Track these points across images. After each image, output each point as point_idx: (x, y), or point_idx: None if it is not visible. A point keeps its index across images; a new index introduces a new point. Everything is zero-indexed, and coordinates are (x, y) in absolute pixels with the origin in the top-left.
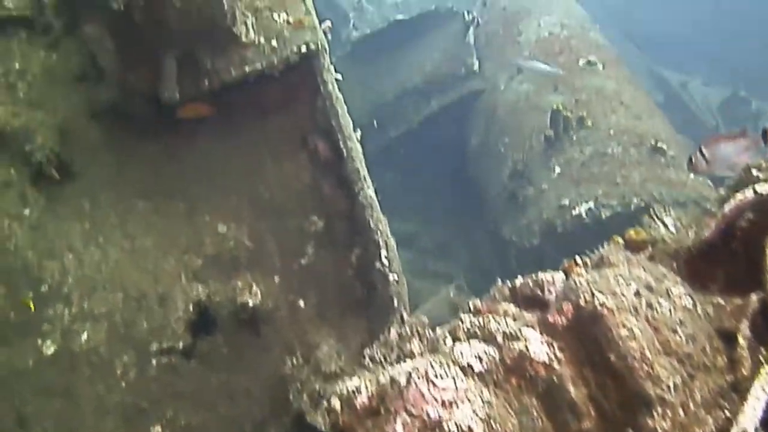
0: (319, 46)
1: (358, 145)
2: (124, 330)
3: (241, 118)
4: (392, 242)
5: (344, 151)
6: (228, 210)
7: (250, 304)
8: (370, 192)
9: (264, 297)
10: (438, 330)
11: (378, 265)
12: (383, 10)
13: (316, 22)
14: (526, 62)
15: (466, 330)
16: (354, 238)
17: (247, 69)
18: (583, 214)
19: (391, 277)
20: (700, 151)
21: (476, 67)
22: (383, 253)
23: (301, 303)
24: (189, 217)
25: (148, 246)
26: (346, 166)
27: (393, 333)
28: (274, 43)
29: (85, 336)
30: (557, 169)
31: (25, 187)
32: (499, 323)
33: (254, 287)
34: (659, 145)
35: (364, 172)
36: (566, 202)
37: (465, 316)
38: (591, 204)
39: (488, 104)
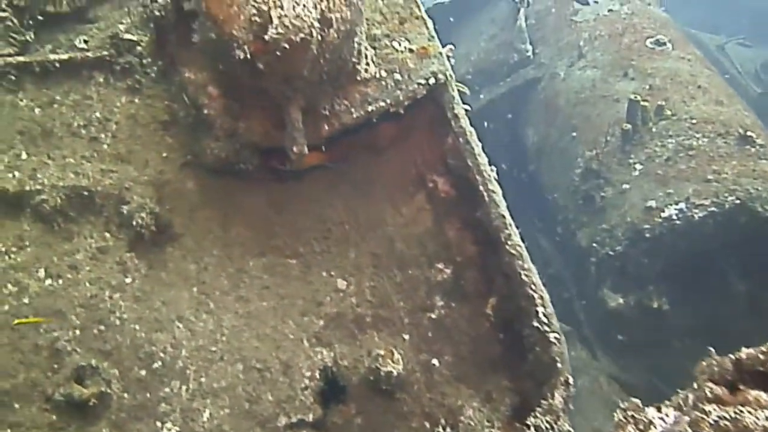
0: (447, 76)
1: (498, 186)
2: (249, 405)
3: (349, 158)
4: (546, 295)
5: (485, 195)
6: (346, 263)
7: (395, 373)
8: (518, 240)
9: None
10: (666, 414)
11: (535, 323)
12: None
13: (441, 47)
14: None
15: (713, 424)
16: (489, 287)
17: (370, 109)
18: (674, 217)
19: (552, 336)
20: None
21: (530, 53)
22: (540, 309)
23: (436, 362)
24: (305, 275)
25: (264, 309)
26: (489, 212)
27: (558, 398)
28: (397, 76)
29: (207, 414)
30: (638, 167)
31: (124, 253)
32: (757, 417)
33: (395, 353)
34: (748, 133)
35: (509, 217)
36: (653, 203)
37: (709, 407)
38: (682, 205)
39: (547, 94)
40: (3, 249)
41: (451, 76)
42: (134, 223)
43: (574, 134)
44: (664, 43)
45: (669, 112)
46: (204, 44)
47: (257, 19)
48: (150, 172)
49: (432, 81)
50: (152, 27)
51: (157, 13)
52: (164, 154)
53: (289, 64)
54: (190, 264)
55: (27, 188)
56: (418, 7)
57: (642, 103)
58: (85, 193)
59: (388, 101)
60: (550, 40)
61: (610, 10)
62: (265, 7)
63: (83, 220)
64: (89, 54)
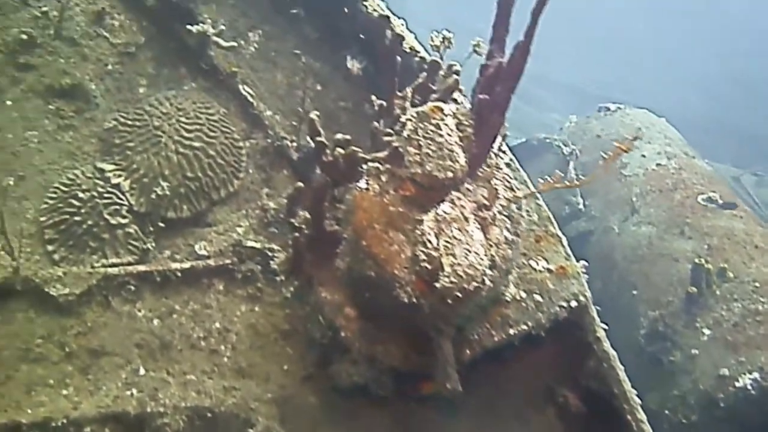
0: (587, 298)
1: (643, 413)
2: None
3: (474, 370)
4: None
5: (633, 425)
6: None
7: None
8: None
9: None
10: None
11: None
12: None
13: (578, 267)
14: None
15: None
16: None
17: (511, 332)
18: (749, 386)
19: None
20: None
21: (581, 205)
22: None
23: None
24: None
25: None
26: None
27: None
28: (538, 297)
29: None
30: (706, 331)
31: None
32: None
33: None
34: None
35: None
36: (725, 371)
37: None
38: (756, 374)
39: (602, 248)
40: None
41: (589, 297)
42: None
43: (635, 292)
44: (716, 200)
45: (731, 275)
46: (356, 277)
47: (426, 265)
48: (272, 387)
49: (573, 303)
50: (290, 245)
51: (296, 233)
52: (285, 367)
53: (456, 309)
54: None
55: (148, 410)
56: (553, 224)
57: (706, 266)
58: (209, 414)
59: (530, 324)
60: (600, 192)
61: (658, 164)
62: (435, 254)
63: None
64: (211, 262)
